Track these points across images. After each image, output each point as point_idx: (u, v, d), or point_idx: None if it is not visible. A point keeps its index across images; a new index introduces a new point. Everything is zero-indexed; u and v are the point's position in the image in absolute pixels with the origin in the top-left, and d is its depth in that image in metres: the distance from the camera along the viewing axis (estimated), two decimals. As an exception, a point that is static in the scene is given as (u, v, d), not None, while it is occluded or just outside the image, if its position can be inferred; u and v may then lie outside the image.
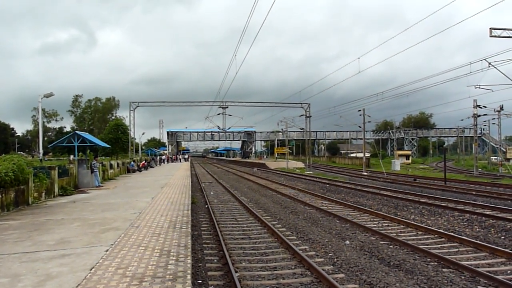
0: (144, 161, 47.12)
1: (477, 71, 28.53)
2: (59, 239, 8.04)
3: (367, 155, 63.34)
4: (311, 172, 47.21)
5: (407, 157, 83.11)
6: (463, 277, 7.83)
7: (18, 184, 13.26)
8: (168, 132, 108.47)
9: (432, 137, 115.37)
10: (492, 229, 12.31)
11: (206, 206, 18.22)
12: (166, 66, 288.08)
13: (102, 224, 9.77)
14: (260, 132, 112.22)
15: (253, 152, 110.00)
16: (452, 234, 11.51)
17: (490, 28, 24.45)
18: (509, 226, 12.43)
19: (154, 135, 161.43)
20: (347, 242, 10.96)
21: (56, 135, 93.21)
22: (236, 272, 8.09)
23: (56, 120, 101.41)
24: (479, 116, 46.30)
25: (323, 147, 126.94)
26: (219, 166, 75.41)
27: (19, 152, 68.23)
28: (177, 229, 9.00)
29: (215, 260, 9.29)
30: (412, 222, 13.51)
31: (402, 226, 13.21)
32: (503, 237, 11.34)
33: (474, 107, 43.39)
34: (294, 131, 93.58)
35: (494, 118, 57.04)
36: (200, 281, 7.69)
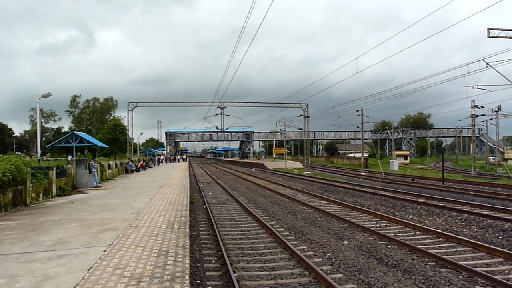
0: (142, 162, 47.06)
1: (475, 71, 28.55)
2: (57, 240, 8.03)
3: (365, 155, 63.39)
4: (309, 172, 47.24)
5: (405, 157, 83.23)
6: (461, 277, 7.84)
7: (16, 185, 13.23)
8: (166, 132, 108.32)
9: (430, 137, 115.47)
10: (490, 229, 12.34)
11: (205, 206, 18.21)
12: (165, 66, 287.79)
13: (100, 224, 9.76)
14: (259, 132, 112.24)
15: (252, 152, 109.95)
16: (450, 234, 11.53)
17: (488, 29, 24.48)
18: (506, 226, 12.46)
19: (152, 135, 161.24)
20: (345, 242, 10.97)
21: (54, 136, 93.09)
22: (234, 272, 8.09)
23: (54, 121, 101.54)
24: (477, 116, 46.40)
25: (321, 147, 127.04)
26: (218, 167, 75.39)
27: (17, 153, 68.20)
28: (175, 229, 8.99)
29: (214, 260, 9.29)
30: (410, 222, 13.53)
31: (400, 226, 13.23)
32: (500, 237, 11.37)
33: (472, 108, 43.46)
34: (292, 131, 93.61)
35: (492, 119, 57.07)
36: (198, 282, 7.69)
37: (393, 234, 11.77)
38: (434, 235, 11.61)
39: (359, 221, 14.01)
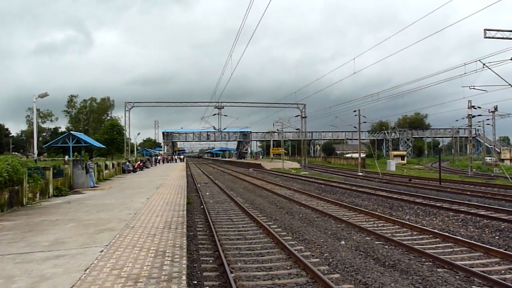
0: (139, 162, 46.99)
1: (471, 72, 28.58)
2: (54, 240, 8.00)
3: (363, 155, 63.54)
4: (306, 173, 47.27)
5: (402, 157, 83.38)
6: (457, 277, 7.86)
7: (13, 185, 13.19)
8: (163, 133, 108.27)
9: (427, 137, 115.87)
10: (487, 229, 12.37)
11: (202, 206, 18.19)
12: (163, 67, 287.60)
13: (97, 224, 9.73)
14: (256, 132, 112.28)
15: (249, 152, 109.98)
16: (447, 234, 11.55)
17: (484, 29, 24.54)
18: (503, 226, 12.51)
19: (149, 136, 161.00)
20: (343, 242, 10.98)
21: (51, 136, 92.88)
22: (231, 272, 8.08)
23: (51, 121, 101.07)
24: (473, 116, 46.53)
25: (318, 148, 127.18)
26: (215, 167, 75.35)
27: (13, 153, 67.97)
28: (172, 229, 8.98)
29: (211, 261, 9.28)
30: (407, 222, 13.55)
31: (397, 226, 13.26)
32: (497, 237, 11.40)
33: (468, 108, 43.60)
34: (289, 132, 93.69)
35: (488, 119, 57.32)
36: (195, 282, 7.68)
37: (390, 234, 11.79)
38: (431, 235, 11.64)
39: (356, 221, 14.02)
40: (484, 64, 26.74)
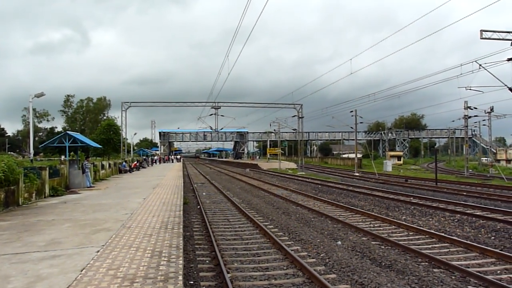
0: (136, 162, 46.90)
1: (468, 72, 28.66)
2: (50, 240, 7.98)
3: (359, 156, 63.57)
4: (303, 173, 47.30)
5: (399, 158, 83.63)
6: (453, 277, 7.89)
7: (8, 185, 13.13)
8: (160, 133, 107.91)
9: (424, 138, 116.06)
10: (482, 230, 12.42)
11: (198, 206, 18.18)
12: (160, 67, 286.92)
13: (93, 225, 9.71)
14: (253, 132, 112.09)
15: (246, 152, 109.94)
16: (443, 234, 11.60)
17: (480, 30, 24.63)
18: (499, 227, 12.56)
19: (146, 136, 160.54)
20: (339, 242, 11.00)
21: (47, 135, 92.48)
22: (228, 273, 8.08)
23: (47, 120, 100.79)
24: (470, 117, 46.69)
25: (315, 148, 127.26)
26: (212, 167, 75.32)
27: (9, 153, 67.67)
28: (169, 229, 8.96)
29: (207, 261, 9.27)
30: (404, 222, 13.59)
31: (393, 226, 13.29)
32: (493, 237, 11.45)
33: (465, 109, 43.73)
34: (286, 132, 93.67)
35: (484, 120, 57.56)
36: (192, 282, 7.68)
37: (386, 235, 11.82)
38: (427, 236, 11.67)
39: (353, 222, 14.05)
40: (480, 65, 26.84)
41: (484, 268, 8.49)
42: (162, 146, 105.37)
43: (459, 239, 10.85)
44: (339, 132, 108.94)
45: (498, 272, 8.25)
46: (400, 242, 10.56)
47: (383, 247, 10.42)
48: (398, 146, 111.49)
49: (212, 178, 40.81)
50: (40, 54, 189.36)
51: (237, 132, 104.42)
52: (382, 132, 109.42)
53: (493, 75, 27.51)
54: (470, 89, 34.82)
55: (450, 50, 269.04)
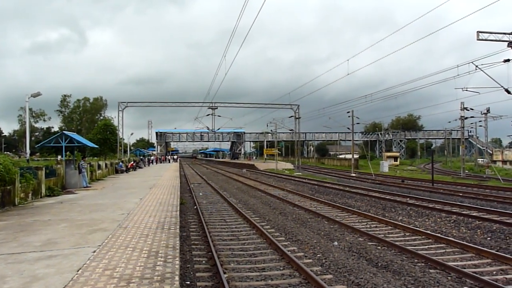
0: (132, 162, 46.83)
1: (464, 73, 28.73)
2: (46, 240, 7.95)
3: (356, 156, 63.72)
4: (300, 173, 47.33)
5: (395, 158, 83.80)
6: (449, 277, 7.91)
7: (4, 185, 13.09)
8: (157, 133, 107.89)
9: (420, 139, 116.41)
10: (479, 230, 12.46)
11: (195, 207, 18.16)
12: (157, 67, 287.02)
13: (89, 225, 9.69)
14: (250, 133, 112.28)
15: (243, 153, 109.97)
16: (439, 235, 11.62)
17: (477, 32, 24.72)
18: (495, 227, 12.60)
19: (143, 136, 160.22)
20: (336, 243, 11.01)
21: (43, 135, 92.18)
22: (224, 273, 8.08)
23: (44, 120, 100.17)
24: (466, 118, 46.81)
25: (312, 149, 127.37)
26: (208, 167, 75.24)
27: (5, 152, 67.37)
28: (165, 230, 8.96)
29: (204, 261, 9.26)
30: (400, 223, 13.61)
31: (390, 227, 13.31)
32: (489, 238, 11.49)
33: (461, 110, 43.85)
34: (283, 132, 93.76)
35: (481, 121, 57.87)
36: (188, 282, 7.67)
37: (383, 235, 11.84)
38: (423, 236, 11.70)
39: (349, 222, 14.06)
40: (477, 66, 26.90)
41: (480, 269, 8.51)
42: (158, 146, 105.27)
43: (455, 240, 10.88)
44: (336, 132, 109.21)
45: (494, 272, 8.28)
46: (397, 243, 10.58)
47: (379, 247, 10.43)
48: (395, 147, 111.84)
49: (208, 178, 40.78)
50: (37, 53, 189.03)
51: (234, 132, 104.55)
52: (378, 132, 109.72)
53: (490, 76, 27.60)
54: (466, 90, 34.91)
55: (447, 51, 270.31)
